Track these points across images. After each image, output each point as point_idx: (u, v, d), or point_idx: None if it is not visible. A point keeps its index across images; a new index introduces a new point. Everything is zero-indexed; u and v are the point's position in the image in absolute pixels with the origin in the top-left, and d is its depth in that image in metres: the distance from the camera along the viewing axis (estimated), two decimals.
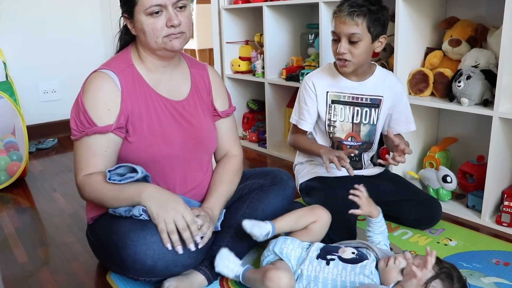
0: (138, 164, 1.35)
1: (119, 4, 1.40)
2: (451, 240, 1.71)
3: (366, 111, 1.77)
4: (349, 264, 1.27)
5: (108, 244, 1.33)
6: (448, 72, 1.96)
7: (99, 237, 1.42)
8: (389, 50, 2.27)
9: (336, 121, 1.77)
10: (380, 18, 1.62)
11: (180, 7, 1.33)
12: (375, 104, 1.77)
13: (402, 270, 1.21)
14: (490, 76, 1.82)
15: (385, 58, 2.27)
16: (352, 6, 1.59)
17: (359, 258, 1.29)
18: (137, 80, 1.39)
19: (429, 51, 2.08)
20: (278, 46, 2.75)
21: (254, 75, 2.85)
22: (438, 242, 1.69)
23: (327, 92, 1.76)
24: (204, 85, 1.54)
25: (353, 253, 1.31)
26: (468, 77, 1.82)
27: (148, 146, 1.38)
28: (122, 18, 1.41)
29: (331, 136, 1.80)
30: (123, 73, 1.37)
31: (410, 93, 2.07)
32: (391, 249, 1.63)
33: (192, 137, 1.46)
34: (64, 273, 1.56)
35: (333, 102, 1.76)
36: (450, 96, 1.91)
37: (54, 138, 3.24)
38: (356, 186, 1.45)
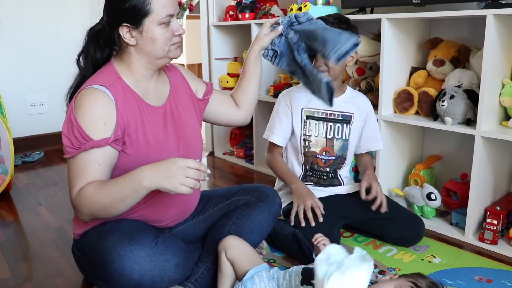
0: None
1: (111, 14, 1.36)
2: (435, 257, 1.73)
3: (339, 127, 1.84)
4: None
5: (94, 258, 1.31)
6: (432, 92, 2.00)
7: (85, 251, 1.40)
8: (375, 69, 2.31)
9: (311, 135, 1.84)
10: (352, 30, 1.70)
11: (177, 17, 1.39)
12: (346, 120, 1.85)
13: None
14: (472, 96, 1.86)
15: (371, 77, 2.31)
16: None
17: None
18: (127, 92, 1.38)
19: (414, 70, 2.13)
20: (266, 63, 2.75)
21: None
22: (422, 259, 1.71)
23: (302, 108, 1.84)
24: (182, 85, 1.56)
25: None
26: (452, 97, 1.86)
27: (147, 156, 1.37)
28: (111, 28, 1.35)
29: (305, 151, 1.85)
30: (113, 86, 1.35)
31: (395, 112, 2.10)
32: (375, 266, 1.65)
33: (180, 138, 1.47)
34: None
35: (307, 117, 1.84)
36: (434, 115, 1.95)
37: (41, 151, 3.22)
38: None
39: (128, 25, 1.33)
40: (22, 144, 3.23)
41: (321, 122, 1.84)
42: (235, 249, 1.37)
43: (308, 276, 1.27)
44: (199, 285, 1.42)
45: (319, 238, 1.41)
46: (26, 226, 2.06)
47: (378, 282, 1.27)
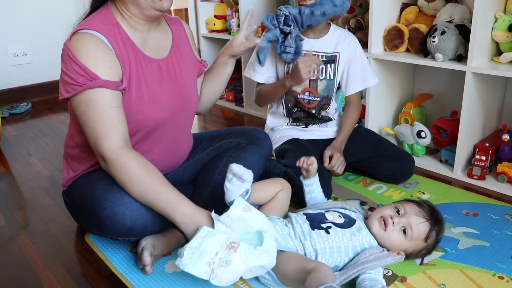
0: (128, 128, 1.31)
1: None
2: (424, 193, 1.75)
3: (323, 68, 1.80)
4: (346, 229, 1.25)
5: (85, 207, 1.32)
6: (423, 28, 1.96)
7: (76, 200, 1.41)
8: (364, 6, 2.25)
9: None
10: None
11: None
12: (331, 60, 1.81)
13: (403, 230, 1.24)
14: (464, 31, 1.82)
15: (361, 14, 2.26)
16: None
17: (349, 221, 1.28)
18: (125, 40, 1.30)
19: (404, 6, 2.07)
20: (254, 3, 2.69)
21: (229, 33, 2.81)
22: (412, 196, 1.73)
23: None
24: (183, 40, 1.50)
25: (339, 216, 1.30)
26: (443, 32, 1.82)
27: (138, 112, 1.32)
28: None
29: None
30: (110, 33, 1.26)
31: (385, 49, 2.07)
32: (365, 203, 1.68)
33: (177, 96, 1.42)
34: (43, 235, 1.56)
35: None
36: (425, 51, 1.92)
37: (28, 103, 3.17)
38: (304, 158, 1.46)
39: None
40: (8, 96, 3.19)
41: None
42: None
43: (315, 222, 1.26)
44: None
45: (303, 160, 1.44)
46: (18, 177, 2.06)
47: (374, 211, 1.30)
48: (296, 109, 1.86)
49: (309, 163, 1.44)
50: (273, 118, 1.95)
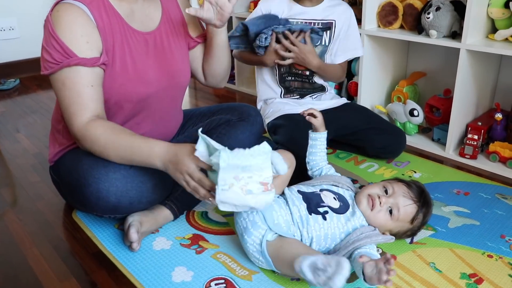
0: (111, 102, 1.29)
1: None
2: (415, 172, 1.74)
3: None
4: (341, 215, 1.23)
5: (70, 183, 1.30)
6: (418, 4, 1.92)
7: (62, 176, 1.39)
8: None
9: None
10: None
11: None
12: (326, 27, 1.82)
13: (389, 210, 1.22)
14: (459, 8, 1.80)
15: None
16: None
17: (344, 206, 1.26)
18: (110, 11, 1.26)
19: None
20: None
21: None
22: (403, 174, 1.72)
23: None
24: (175, 12, 1.44)
25: (334, 199, 1.27)
26: (438, 9, 1.79)
27: (121, 85, 1.29)
28: None
29: None
30: (93, 4, 1.23)
31: (379, 26, 2.03)
32: (355, 181, 1.66)
33: (165, 72, 1.38)
34: (30, 213, 1.54)
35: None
36: (419, 28, 1.88)
37: (16, 79, 3.10)
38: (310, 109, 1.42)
39: None
40: None
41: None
42: None
43: (313, 205, 1.23)
44: (179, 203, 1.41)
45: (306, 110, 1.40)
46: (5, 153, 2.03)
47: (363, 189, 1.29)
48: (290, 77, 1.86)
49: (312, 112, 1.40)
50: (265, 88, 1.93)
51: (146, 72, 1.33)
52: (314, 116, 1.40)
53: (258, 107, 1.97)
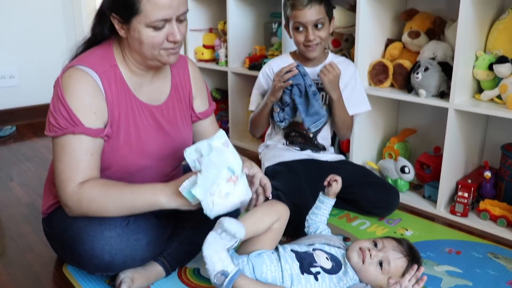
0: (111, 171, 1.31)
1: (107, 2, 1.25)
2: (407, 230, 1.75)
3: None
4: (333, 275, 1.22)
5: (64, 238, 1.29)
6: (407, 64, 1.99)
7: (54, 230, 1.38)
8: (350, 40, 2.29)
9: None
10: (331, 2, 1.83)
11: (181, 20, 1.25)
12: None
13: (379, 263, 1.22)
14: (446, 68, 1.86)
15: (347, 49, 2.29)
16: None
17: (337, 266, 1.25)
18: (120, 83, 1.29)
19: (389, 42, 2.11)
20: (242, 34, 2.72)
21: (217, 63, 2.83)
22: (395, 232, 1.73)
23: None
24: (184, 85, 1.46)
25: (327, 259, 1.26)
26: (426, 69, 1.85)
27: (123, 156, 1.31)
28: (110, 17, 1.25)
29: None
30: (105, 74, 1.25)
31: (370, 84, 2.10)
32: (348, 239, 1.66)
33: (168, 146, 1.40)
34: (18, 265, 1.52)
35: None
36: (408, 87, 1.95)
37: (13, 126, 3.13)
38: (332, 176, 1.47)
39: (119, 19, 1.23)
40: None
41: None
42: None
43: (305, 265, 1.22)
44: (172, 260, 1.41)
45: (330, 177, 1.45)
46: None
47: (353, 243, 1.29)
48: (294, 133, 1.92)
49: (334, 179, 1.45)
50: (270, 141, 2.01)
51: (148, 145, 1.35)
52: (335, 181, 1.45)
53: (260, 150, 2.04)
